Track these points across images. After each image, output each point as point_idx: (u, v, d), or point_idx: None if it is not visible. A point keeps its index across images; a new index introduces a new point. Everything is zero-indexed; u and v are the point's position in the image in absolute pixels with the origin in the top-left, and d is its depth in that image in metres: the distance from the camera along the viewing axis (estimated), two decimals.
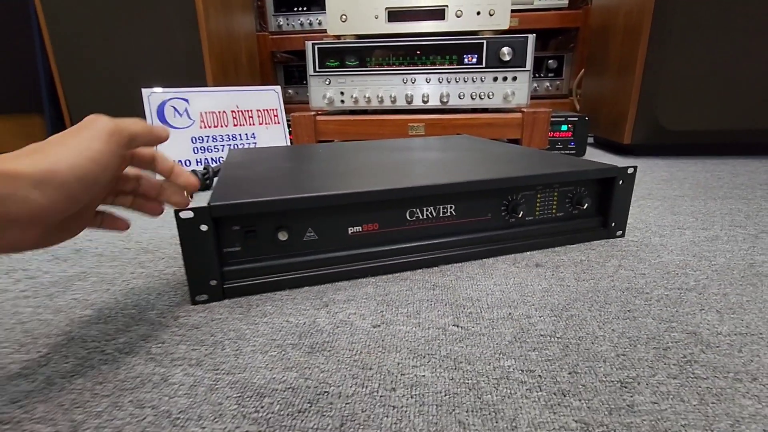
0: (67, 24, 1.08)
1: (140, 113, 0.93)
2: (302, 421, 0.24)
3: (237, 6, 1.26)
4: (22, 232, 0.24)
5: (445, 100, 1.02)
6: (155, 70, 1.09)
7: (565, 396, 0.25)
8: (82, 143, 0.25)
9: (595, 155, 1.12)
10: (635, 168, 0.48)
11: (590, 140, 1.49)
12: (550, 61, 1.60)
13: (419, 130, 1.02)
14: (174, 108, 0.95)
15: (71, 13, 1.07)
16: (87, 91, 1.14)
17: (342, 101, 1.05)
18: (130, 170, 0.34)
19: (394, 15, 1.02)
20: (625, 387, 0.26)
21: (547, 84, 1.63)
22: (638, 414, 0.23)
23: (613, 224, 0.50)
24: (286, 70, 1.75)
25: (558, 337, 0.31)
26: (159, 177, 0.34)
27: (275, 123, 1.04)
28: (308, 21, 1.62)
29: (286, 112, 1.05)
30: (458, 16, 1.00)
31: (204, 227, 0.35)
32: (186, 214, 0.34)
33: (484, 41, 0.97)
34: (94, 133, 0.26)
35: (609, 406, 0.24)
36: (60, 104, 1.18)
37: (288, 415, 0.24)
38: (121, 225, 0.35)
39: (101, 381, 0.27)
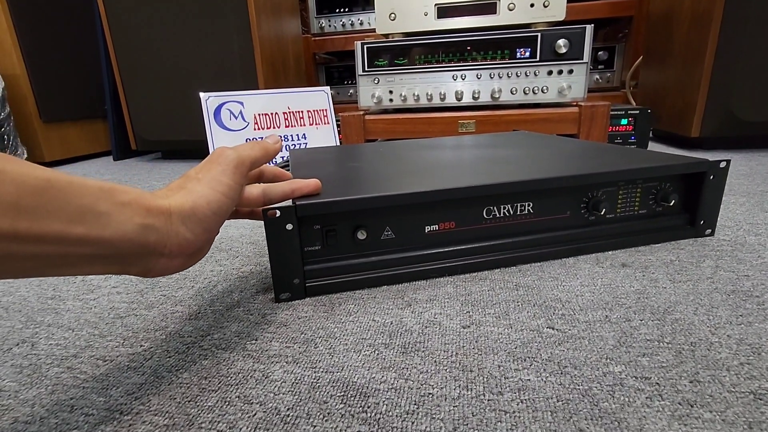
0: (130, 34, 1.14)
1: (198, 116, 0.96)
2: (413, 423, 0.23)
3: (285, 10, 1.28)
4: (170, 260, 0.26)
5: (496, 96, 0.99)
6: (211, 75, 1.13)
7: (692, 407, 0.23)
8: (215, 178, 0.28)
9: (659, 150, 1.06)
10: (728, 162, 0.44)
11: (650, 134, 1.41)
12: (600, 53, 1.53)
13: (470, 128, 1.00)
14: (230, 111, 0.98)
15: (134, 24, 1.13)
16: (147, 97, 1.20)
17: (390, 100, 1.05)
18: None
19: (444, 11, 1.00)
20: (760, 399, 0.23)
21: (597, 76, 1.56)
22: None
23: (702, 222, 0.46)
24: (327, 71, 1.77)
25: (667, 343, 0.29)
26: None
27: (325, 123, 1.05)
28: (350, 22, 1.63)
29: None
30: (510, 9, 0.97)
31: (289, 226, 0.35)
32: (273, 213, 0.34)
33: (539, 34, 0.94)
34: (223, 167, 0.29)
35: (747, 420, 0.22)
36: (122, 110, 1.25)
37: (396, 416, 0.24)
38: None
39: (206, 376, 0.28)
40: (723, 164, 0.44)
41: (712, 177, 0.45)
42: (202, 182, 0.28)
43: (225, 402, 0.25)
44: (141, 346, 0.32)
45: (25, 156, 1.19)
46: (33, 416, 0.25)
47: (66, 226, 0.20)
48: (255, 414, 0.24)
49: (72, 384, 0.28)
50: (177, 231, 0.25)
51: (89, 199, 0.21)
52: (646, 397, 0.24)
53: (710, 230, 0.47)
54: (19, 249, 0.19)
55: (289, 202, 0.35)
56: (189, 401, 0.26)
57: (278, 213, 0.34)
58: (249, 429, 0.23)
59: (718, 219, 0.53)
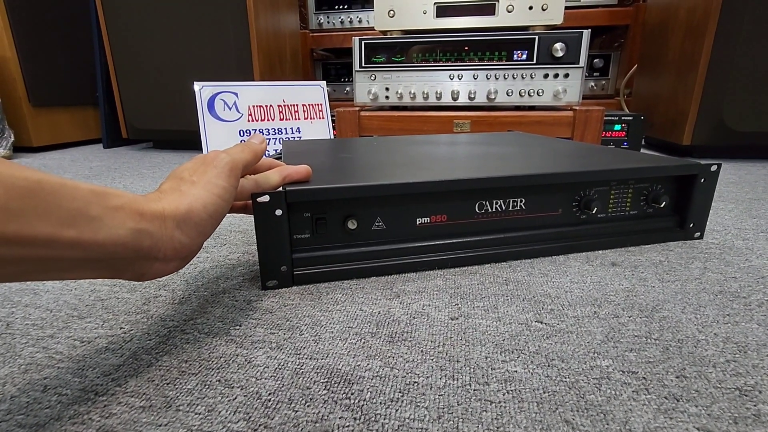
0: (125, 21, 1.13)
1: (191, 106, 0.95)
2: (397, 410, 0.23)
3: (283, 4, 1.28)
4: (164, 264, 0.26)
5: (492, 97, 0.99)
6: (206, 65, 1.12)
7: (678, 401, 0.23)
8: (210, 181, 0.28)
9: None
10: (719, 165, 0.45)
11: (642, 141, 1.43)
12: (595, 60, 1.55)
13: (464, 127, 1.00)
14: (224, 101, 0.97)
15: (129, 11, 1.11)
16: (140, 85, 1.18)
17: (387, 97, 1.05)
18: None
19: (443, 10, 1.00)
20: (746, 395, 0.23)
21: (592, 84, 1.57)
22: None
23: (692, 225, 0.47)
24: (324, 67, 1.76)
25: (655, 339, 0.29)
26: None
27: (320, 118, 1.04)
28: (348, 19, 1.63)
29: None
30: (509, 11, 0.97)
31: (279, 212, 0.34)
32: (262, 198, 0.34)
33: (536, 37, 0.94)
34: (219, 170, 0.28)
35: (732, 415, 0.22)
36: (114, 98, 1.23)
37: (380, 403, 0.23)
38: None
39: (186, 359, 0.27)
40: (714, 167, 0.45)
41: (703, 180, 0.45)
42: (197, 185, 0.27)
43: (205, 385, 0.25)
44: (121, 328, 0.31)
45: (12, 139, 1.16)
46: (3, 394, 0.24)
47: (57, 229, 0.19)
48: (235, 398, 0.24)
49: (47, 364, 0.27)
50: (171, 235, 0.25)
51: (81, 202, 0.20)
52: (633, 391, 0.24)
53: (699, 233, 0.47)
54: (7, 252, 0.18)
55: (279, 188, 0.35)
56: (168, 383, 0.25)
57: (267, 198, 0.34)
58: (228, 412, 0.23)
59: (707, 223, 0.53)
